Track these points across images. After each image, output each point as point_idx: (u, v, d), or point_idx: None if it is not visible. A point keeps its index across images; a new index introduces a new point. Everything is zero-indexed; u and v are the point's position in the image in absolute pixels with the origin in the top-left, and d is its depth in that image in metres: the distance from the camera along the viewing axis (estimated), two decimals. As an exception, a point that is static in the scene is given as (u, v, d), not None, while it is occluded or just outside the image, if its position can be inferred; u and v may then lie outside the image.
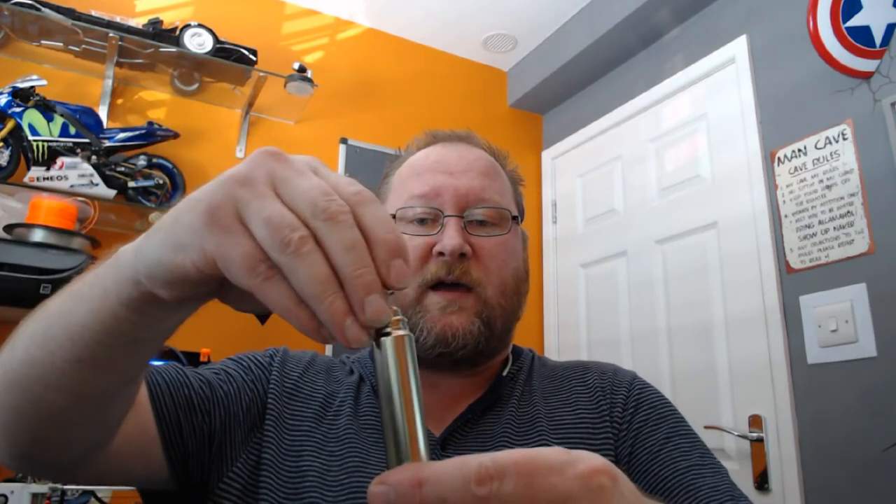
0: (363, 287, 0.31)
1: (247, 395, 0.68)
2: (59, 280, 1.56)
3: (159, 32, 2.12)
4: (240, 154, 2.36)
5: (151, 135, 2.09)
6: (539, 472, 0.29)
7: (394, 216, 0.72)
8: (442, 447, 0.67)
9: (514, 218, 0.76)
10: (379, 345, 0.32)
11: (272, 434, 0.66)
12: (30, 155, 1.87)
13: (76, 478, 0.58)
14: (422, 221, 0.72)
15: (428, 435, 0.32)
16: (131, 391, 0.49)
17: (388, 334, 0.32)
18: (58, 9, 1.96)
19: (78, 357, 0.42)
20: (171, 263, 0.35)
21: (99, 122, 2.02)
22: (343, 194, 0.33)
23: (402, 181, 0.76)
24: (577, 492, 0.29)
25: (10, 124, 1.85)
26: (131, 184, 1.99)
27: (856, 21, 1.76)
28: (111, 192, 1.94)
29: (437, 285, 0.69)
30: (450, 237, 0.69)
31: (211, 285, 0.36)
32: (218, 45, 2.17)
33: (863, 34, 1.75)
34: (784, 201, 1.90)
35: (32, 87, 1.88)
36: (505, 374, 0.74)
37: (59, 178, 1.86)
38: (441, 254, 0.69)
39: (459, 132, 0.81)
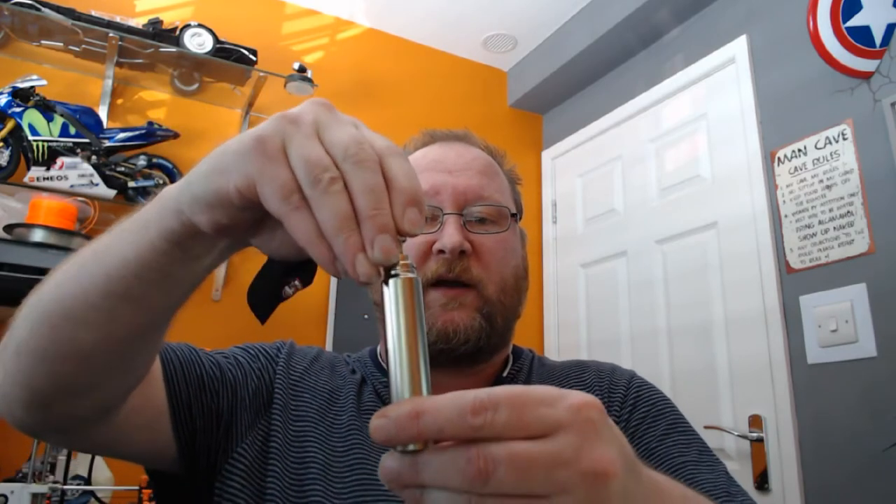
0: (376, 227, 0.33)
1: (253, 381, 0.69)
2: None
3: (159, 32, 2.12)
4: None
5: (151, 135, 2.09)
6: (531, 403, 0.31)
7: None
8: None
9: (513, 216, 0.76)
10: (387, 284, 0.35)
11: (279, 422, 0.67)
12: (30, 155, 1.87)
13: (83, 442, 0.59)
14: None
15: (429, 375, 0.34)
16: (156, 339, 0.51)
17: (397, 276, 0.34)
18: (58, 9, 1.96)
19: (112, 291, 0.44)
20: (215, 185, 0.38)
21: (99, 122, 2.02)
22: (375, 146, 0.36)
23: None
24: (566, 421, 0.31)
25: (10, 124, 1.85)
26: (131, 184, 1.99)
27: (856, 21, 1.76)
28: (111, 192, 1.94)
29: (438, 283, 0.69)
30: (449, 235, 0.69)
31: (247, 214, 0.38)
32: (218, 45, 2.17)
33: (863, 34, 1.75)
34: (784, 201, 1.90)
35: (32, 87, 1.88)
36: (505, 374, 0.75)
37: (59, 178, 1.86)
38: (441, 251, 0.69)
39: (457, 132, 0.81)
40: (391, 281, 0.34)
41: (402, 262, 0.34)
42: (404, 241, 0.35)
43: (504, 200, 0.76)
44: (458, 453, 0.30)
